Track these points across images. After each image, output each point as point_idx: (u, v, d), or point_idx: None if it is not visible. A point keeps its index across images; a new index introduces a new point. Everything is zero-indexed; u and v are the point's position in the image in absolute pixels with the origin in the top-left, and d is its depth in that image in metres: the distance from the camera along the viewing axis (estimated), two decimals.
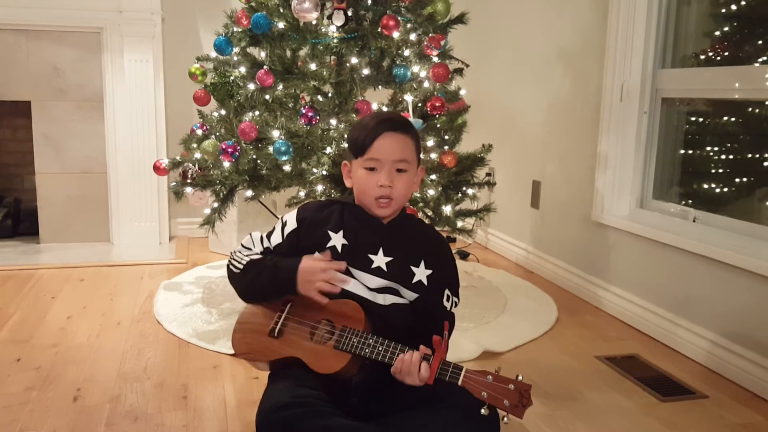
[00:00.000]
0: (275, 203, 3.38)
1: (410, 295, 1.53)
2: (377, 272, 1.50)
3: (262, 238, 1.59)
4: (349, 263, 1.50)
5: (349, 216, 1.53)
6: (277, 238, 1.57)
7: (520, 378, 1.28)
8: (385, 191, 1.46)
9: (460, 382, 1.30)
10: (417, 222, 1.64)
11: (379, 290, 1.51)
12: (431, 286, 1.52)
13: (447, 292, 1.54)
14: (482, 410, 1.27)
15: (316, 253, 1.50)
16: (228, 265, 1.60)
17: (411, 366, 1.34)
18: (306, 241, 1.54)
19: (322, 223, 1.53)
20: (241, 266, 1.55)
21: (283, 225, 1.57)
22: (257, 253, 1.58)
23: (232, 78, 2.63)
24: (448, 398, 1.35)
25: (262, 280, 1.51)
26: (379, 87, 2.48)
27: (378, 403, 1.43)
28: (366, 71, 2.40)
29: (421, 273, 1.52)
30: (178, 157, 2.66)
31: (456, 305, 1.57)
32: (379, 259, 1.50)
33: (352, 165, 1.53)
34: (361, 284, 1.50)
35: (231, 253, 1.62)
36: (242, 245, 1.61)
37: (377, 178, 1.47)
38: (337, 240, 1.51)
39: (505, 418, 1.27)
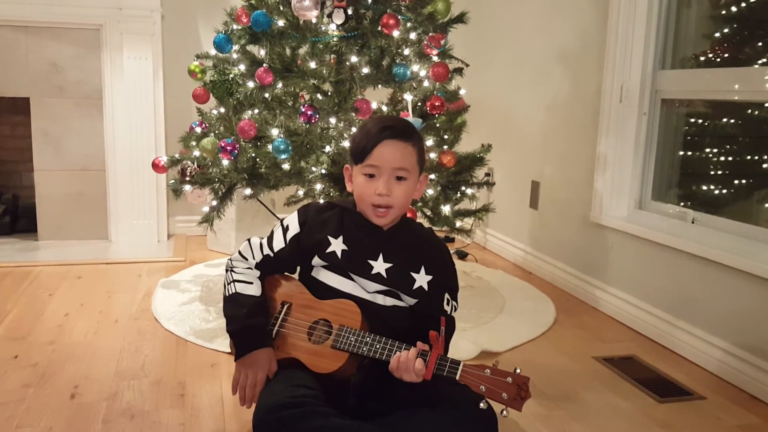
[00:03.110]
0: (274, 202, 3.38)
1: (410, 301, 1.53)
2: (377, 278, 1.49)
3: (261, 245, 1.58)
4: (348, 269, 1.50)
5: (349, 221, 1.53)
6: (279, 243, 1.56)
7: (518, 371, 1.28)
8: (383, 200, 1.45)
9: (457, 377, 1.30)
10: (417, 227, 1.63)
11: (379, 291, 1.51)
12: (432, 291, 1.52)
13: (447, 296, 1.54)
14: (481, 404, 1.27)
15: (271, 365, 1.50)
16: (226, 271, 1.60)
17: (408, 362, 1.34)
18: (307, 243, 1.54)
19: (323, 227, 1.53)
20: (228, 293, 1.57)
21: (285, 229, 1.56)
22: (252, 266, 1.58)
23: (231, 76, 2.62)
24: (446, 398, 1.35)
25: (232, 325, 1.54)
26: (379, 86, 2.47)
27: (376, 403, 1.43)
28: (366, 70, 2.40)
29: (421, 279, 1.51)
30: (176, 155, 2.66)
31: (455, 310, 1.57)
32: (379, 265, 1.49)
33: (352, 170, 1.53)
34: (361, 288, 1.50)
35: (229, 260, 1.62)
36: (240, 253, 1.60)
37: (375, 185, 1.46)
38: (337, 245, 1.50)
39: (504, 411, 1.27)
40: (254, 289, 1.56)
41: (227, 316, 1.55)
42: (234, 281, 1.56)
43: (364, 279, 1.50)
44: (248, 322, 1.51)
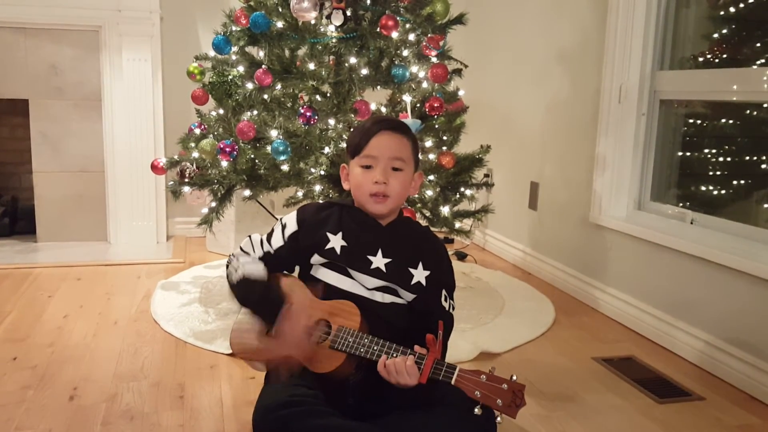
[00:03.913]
0: (273, 203, 3.38)
1: (409, 297, 1.53)
2: (376, 273, 1.50)
3: (262, 241, 1.59)
4: (347, 264, 1.51)
5: (348, 218, 1.54)
6: (278, 241, 1.57)
7: (514, 378, 1.29)
8: (380, 188, 1.48)
9: (453, 382, 1.30)
10: (414, 225, 1.66)
11: (378, 288, 1.51)
12: (429, 287, 1.53)
13: (444, 292, 1.55)
14: (476, 410, 1.27)
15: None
16: (227, 266, 1.60)
17: (398, 364, 1.33)
18: (306, 242, 1.54)
19: (321, 225, 1.54)
20: (235, 279, 1.54)
21: (284, 227, 1.58)
22: (256, 259, 1.58)
23: (230, 77, 2.62)
24: (444, 398, 1.35)
25: (249, 294, 1.52)
26: (378, 87, 2.47)
27: (375, 403, 1.43)
28: (365, 71, 2.40)
29: (419, 274, 1.52)
30: (175, 157, 2.66)
31: (452, 308, 1.57)
32: (378, 261, 1.50)
33: (349, 166, 1.54)
34: (360, 285, 1.51)
35: (230, 256, 1.62)
36: (241, 248, 1.61)
37: (372, 175, 1.48)
38: (336, 242, 1.51)
39: (498, 418, 1.27)
40: (261, 270, 1.53)
41: (241, 295, 1.53)
42: (241, 264, 1.55)
43: (363, 275, 1.50)
44: (267, 288, 1.50)
